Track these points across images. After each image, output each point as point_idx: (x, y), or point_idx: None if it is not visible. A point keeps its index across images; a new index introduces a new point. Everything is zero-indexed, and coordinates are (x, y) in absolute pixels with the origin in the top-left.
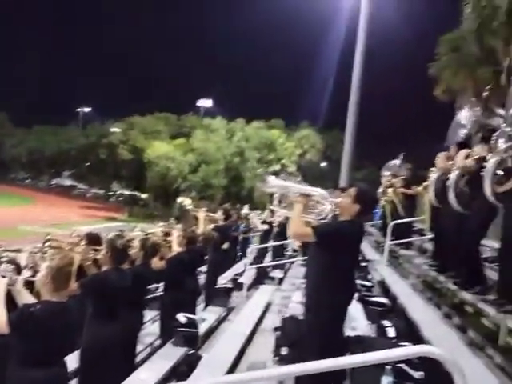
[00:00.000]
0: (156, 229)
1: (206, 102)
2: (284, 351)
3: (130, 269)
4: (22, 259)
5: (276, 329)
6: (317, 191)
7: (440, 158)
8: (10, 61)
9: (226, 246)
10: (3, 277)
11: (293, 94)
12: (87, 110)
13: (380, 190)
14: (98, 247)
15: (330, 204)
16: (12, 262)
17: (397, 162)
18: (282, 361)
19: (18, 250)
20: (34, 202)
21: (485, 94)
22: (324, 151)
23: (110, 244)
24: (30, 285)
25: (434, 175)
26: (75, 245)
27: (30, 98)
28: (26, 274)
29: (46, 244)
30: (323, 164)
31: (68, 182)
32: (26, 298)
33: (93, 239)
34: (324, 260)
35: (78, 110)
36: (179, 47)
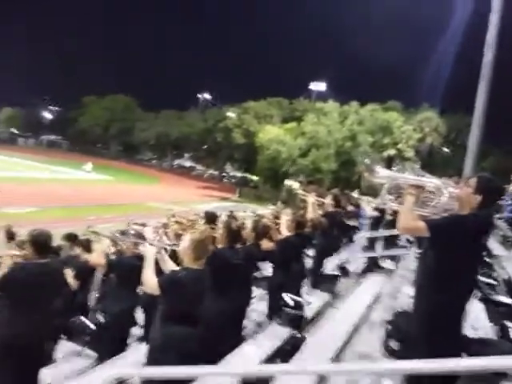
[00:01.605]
0: (266, 211)
1: (319, 86)
2: (394, 345)
3: (242, 248)
4: (147, 233)
5: (387, 322)
6: (432, 182)
7: None
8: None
9: (334, 232)
10: (151, 245)
11: (411, 76)
12: (206, 95)
13: None
14: (214, 225)
15: (447, 195)
16: (138, 234)
17: None
18: (392, 355)
19: (144, 224)
20: (159, 181)
21: None
22: (447, 135)
23: (226, 225)
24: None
25: None
26: (194, 222)
27: (158, 84)
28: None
29: (172, 219)
30: (445, 149)
31: (188, 164)
32: (170, 264)
33: (210, 218)
34: (437, 256)
35: (199, 95)
36: (294, 32)
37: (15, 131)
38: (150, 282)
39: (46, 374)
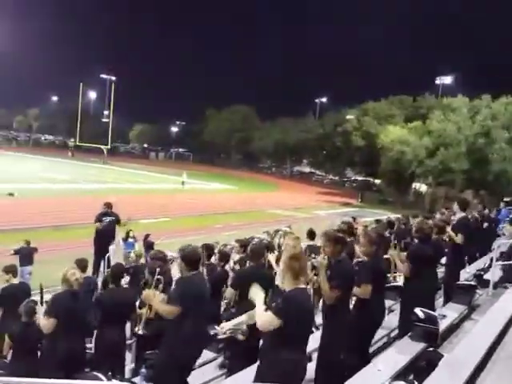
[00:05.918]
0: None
1: (445, 79)
2: None
3: (369, 261)
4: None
5: None
6: None
7: None
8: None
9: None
10: None
11: None
12: (323, 99)
13: None
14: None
15: None
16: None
17: None
18: None
19: (268, 232)
20: (279, 188)
21: None
22: None
23: (329, 237)
24: None
25: None
26: None
27: (273, 93)
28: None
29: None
30: None
31: (307, 169)
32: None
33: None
34: None
35: (316, 100)
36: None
37: (146, 146)
38: (263, 318)
39: None
